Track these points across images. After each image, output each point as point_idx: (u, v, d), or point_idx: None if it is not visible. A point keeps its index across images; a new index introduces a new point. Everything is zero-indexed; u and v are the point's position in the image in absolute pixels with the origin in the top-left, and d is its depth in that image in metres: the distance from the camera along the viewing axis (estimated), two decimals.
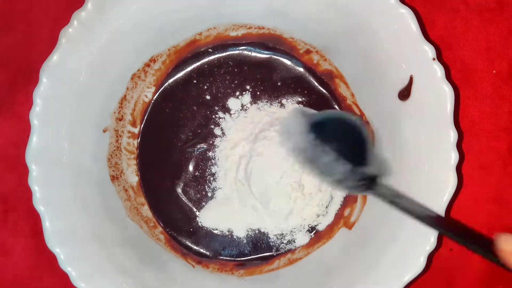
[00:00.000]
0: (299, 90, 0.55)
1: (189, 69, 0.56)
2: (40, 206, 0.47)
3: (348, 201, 0.54)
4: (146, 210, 0.55)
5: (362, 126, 0.47)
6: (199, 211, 0.55)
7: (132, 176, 0.55)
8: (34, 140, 0.47)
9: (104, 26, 0.48)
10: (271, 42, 0.55)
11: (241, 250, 0.55)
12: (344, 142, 0.45)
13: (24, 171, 0.47)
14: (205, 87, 0.55)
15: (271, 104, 0.55)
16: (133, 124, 0.55)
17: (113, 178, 0.53)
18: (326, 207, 0.54)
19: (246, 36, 0.55)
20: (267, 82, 0.55)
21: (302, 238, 0.54)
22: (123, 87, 0.53)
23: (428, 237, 0.46)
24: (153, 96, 0.56)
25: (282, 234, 0.55)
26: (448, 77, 0.52)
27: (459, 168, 0.47)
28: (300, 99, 0.55)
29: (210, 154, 0.55)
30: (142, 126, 0.56)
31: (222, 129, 0.55)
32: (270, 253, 0.55)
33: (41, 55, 0.47)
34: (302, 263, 0.54)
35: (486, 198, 0.55)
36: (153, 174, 0.55)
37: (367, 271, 0.48)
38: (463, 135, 0.55)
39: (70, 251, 0.47)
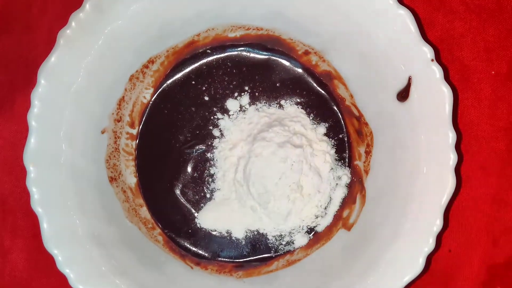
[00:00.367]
0: (297, 91, 0.55)
1: (187, 70, 0.55)
2: (38, 207, 0.47)
3: (347, 202, 0.54)
4: (145, 212, 0.55)
5: None
6: (197, 212, 0.55)
7: (130, 178, 0.55)
8: (32, 142, 0.47)
9: (102, 28, 0.48)
10: (269, 43, 0.55)
11: (239, 251, 0.55)
12: None
13: (22, 172, 0.47)
14: (204, 88, 0.55)
15: (269, 105, 0.55)
16: (131, 125, 0.55)
17: (112, 179, 0.53)
18: (325, 208, 0.54)
19: (245, 37, 0.55)
20: (266, 83, 0.55)
21: (301, 239, 0.54)
22: (121, 88, 0.53)
23: (427, 238, 0.45)
24: (151, 97, 0.56)
25: (281, 235, 0.54)
26: (447, 78, 0.52)
27: (458, 169, 0.46)
28: (298, 100, 0.55)
29: (208, 155, 0.55)
30: (140, 127, 0.55)
31: (220, 130, 0.55)
32: (269, 255, 0.55)
33: (40, 57, 0.47)
34: (301, 264, 0.54)
35: (485, 199, 0.55)
36: (151, 176, 0.55)
37: (366, 273, 0.48)
38: (462, 136, 0.55)
39: (68, 253, 0.47)
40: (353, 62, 0.51)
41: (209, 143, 0.55)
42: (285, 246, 0.55)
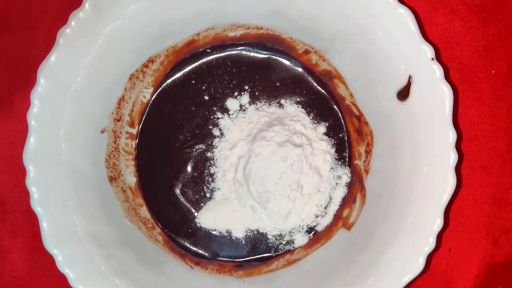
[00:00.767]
0: (297, 90, 0.55)
1: (187, 69, 0.55)
2: (37, 207, 0.47)
3: (347, 202, 0.54)
4: (145, 211, 0.55)
5: None
6: (197, 212, 0.55)
7: (130, 177, 0.55)
8: (31, 141, 0.47)
9: (102, 27, 0.48)
10: (269, 42, 0.55)
11: (239, 251, 0.55)
12: None
13: (21, 172, 0.47)
14: (204, 87, 0.55)
15: (269, 105, 0.55)
16: (131, 124, 0.55)
17: (111, 179, 0.53)
18: (325, 207, 0.54)
19: (245, 36, 0.54)
20: (266, 82, 0.55)
21: (301, 239, 0.54)
22: (121, 88, 0.53)
23: (427, 238, 0.45)
24: (151, 97, 0.55)
25: (281, 234, 0.54)
26: (447, 77, 0.52)
27: (458, 169, 0.46)
28: (298, 99, 0.55)
29: (208, 154, 0.55)
30: (140, 126, 0.55)
31: (220, 130, 0.55)
32: (269, 254, 0.55)
33: (39, 56, 0.47)
34: (301, 264, 0.54)
35: (485, 198, 0.55)
36: (151, 175, 0.55)
37: (366, 272, 0.48)
38: (462, 135, 0.55)
39: (68, 253, 0.47)
40: (353, 61, 0.51)
41: (209, 142, 0.55)
42: (285, 245, 0.55)
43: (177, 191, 0.55)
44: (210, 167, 0.55)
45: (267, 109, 0.55)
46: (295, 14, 0.51)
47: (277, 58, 0.55)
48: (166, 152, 0.55)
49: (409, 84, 0.47)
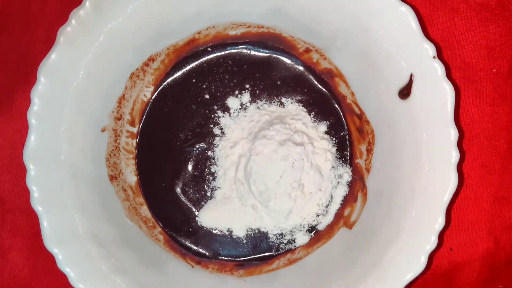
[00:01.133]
0: (298, 89, 0.55)
1: (188, 68, 0.55)
2: (38, 206, 0.46)
3: (348, 201, 0.54)
4: (145, 210, 0.55)
5: None
6: (198, 211, 0.55)
7: (130, 176, 0.55)
8: (31, 140, 0.47)
9: (103, 25, 0.48)
10: (270, 41, 0.54)
11: (240, 250, 0.55)
12: None
13: (21, 171, 0.47)
14: (204, 86, 0.55)
15: (270, 103, 0.55)
16: (132, 123, 0.55)
17: (112, 178, 0.53)
18: (326, 206, 0.54)
19: (246, 35, 0.54)
20: (267, 81, 0.55)
21: (302, 238, 0.54)
22: (122, 86, 0.53)
23: (429, 236, 0.45)
24: (152, 96, 0.55)
25: (282, 234, 0.54)
26: (449, 75, 0.52)
27: (459, 167, 0.46)
28: (299, 98, 0.55)
29: (209, 153, 0.55)
30: (140, 125, 0.55)
31: (221, 128, 0.55)
32: (270, 253, 0.54)
33: (39, 55, 0.47)
34: (302, 263, 0.53)
35: (487, 197, 0.55)
36: (152, 174, 0.55)
37: (367, 271, 0.47)
38: (463, 134, 0.55)
39: (69, 252, 0.47)
40: (354, 60, 0.51)
41: (210, 141, 0.55)
42: (286, 244, 0.54)
43: (178, 190, 0.55)
44: (211, 166, 0.55)
45: (268, 107, 0.55)
46: (296, 13, 0.51)
47: (278, 56, 0.55)
48: (166, 151, 0.55)
49: (410, 83, 0.47)
